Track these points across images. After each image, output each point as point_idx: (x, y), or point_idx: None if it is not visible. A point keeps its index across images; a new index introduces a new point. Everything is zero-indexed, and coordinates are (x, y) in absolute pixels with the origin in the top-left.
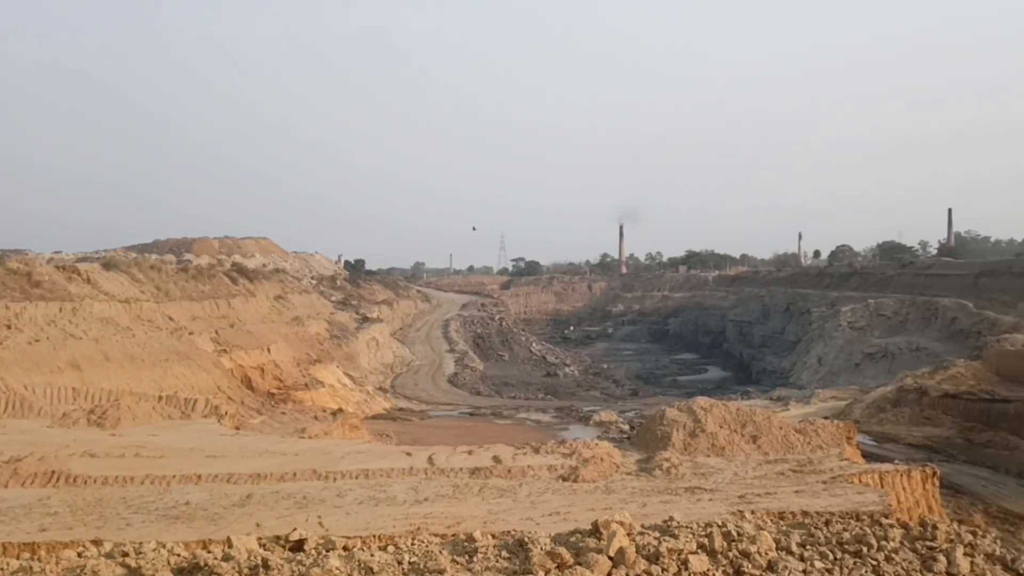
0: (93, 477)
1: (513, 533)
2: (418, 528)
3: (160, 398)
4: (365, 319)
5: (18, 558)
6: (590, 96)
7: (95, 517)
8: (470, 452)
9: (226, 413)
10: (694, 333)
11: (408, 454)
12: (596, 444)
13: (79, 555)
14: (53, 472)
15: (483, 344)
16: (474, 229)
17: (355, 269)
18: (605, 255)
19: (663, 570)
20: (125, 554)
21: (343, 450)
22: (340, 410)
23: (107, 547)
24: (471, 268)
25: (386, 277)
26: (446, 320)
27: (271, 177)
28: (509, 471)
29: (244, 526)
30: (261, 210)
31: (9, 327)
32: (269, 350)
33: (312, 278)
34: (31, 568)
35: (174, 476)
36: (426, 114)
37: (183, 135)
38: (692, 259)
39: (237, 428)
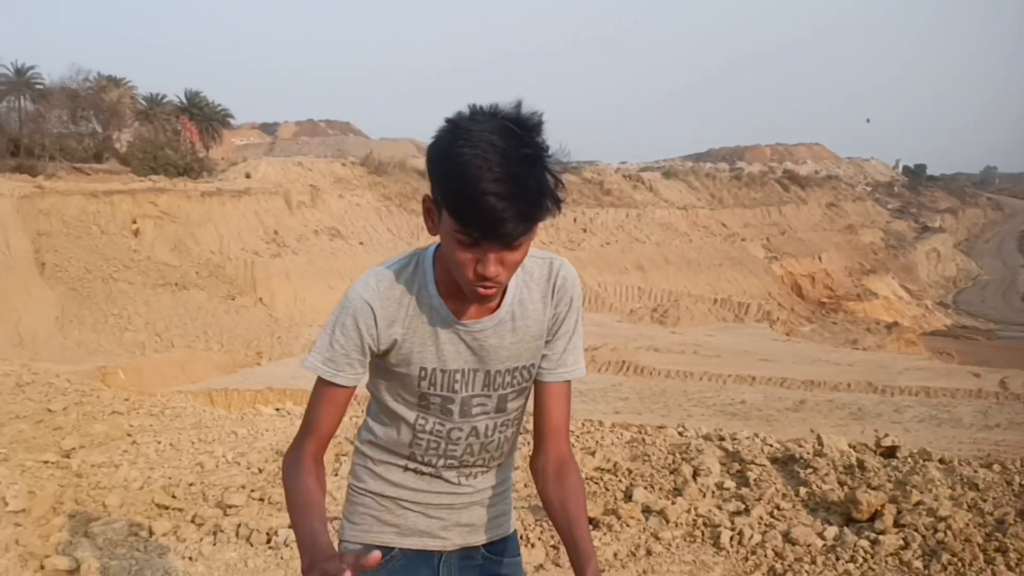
0: (657, 369)
1: None
2: (988, 454)
3: (715, 301)
4: (925, 228)
5: (620, 427)
6: None
7: (660, 406)
8: None
9: (777, 319)
10: None
11: (975, 375)
12: None
13: (679, 434)
14: (624, 362)
15: None
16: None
17: (914, 175)
18: None
19: None
20: (722, 438)
21: (900, 365)
22: (895, 323)
23: (703, 430)
24: None
25: (950, 183)
26: (1022, 231)
27: (823, 80)
28: None
29: (799, 430)
30: (814, 116)
31: (585, 231)
32: (820, 258)
33: (867, 185)
34: (643, 440)
35: (729, 376)
36: None
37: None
38: None
39: (788, 334)
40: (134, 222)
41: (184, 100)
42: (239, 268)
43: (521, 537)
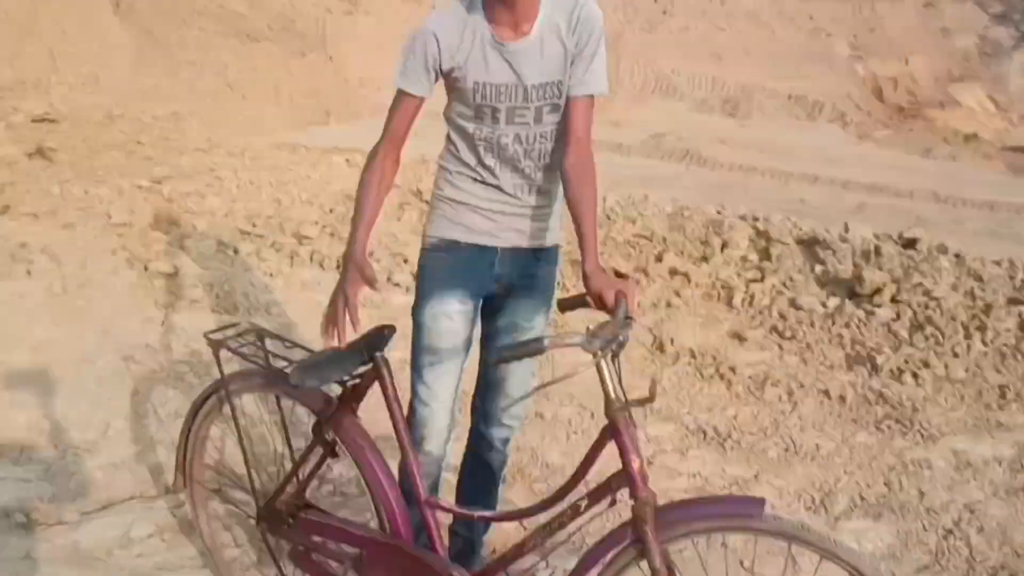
0: (721, 162)
1: None
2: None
3: (790, 97)
4: None
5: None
6: None
7: (719, 198)
8: None
9: (851, 121)
10: None
11: None
12: None
13: (717, 212)
14: (687, 151)
15: None
16: None
17: None
18: None
19: None
20: (756, 219)
21: (970, 177)
22: (975, 135)
23: (740, 210)
24: None
25: None
26: None
27: None
28: None
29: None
30: None
31: (664, 13)
32: (907, 61)
33: None
34: (682, 215)
35: (793, 174)
36: None
37: None
38: None
39: (860, 138)
40: None
41: None
42: (310, 24)
43: None
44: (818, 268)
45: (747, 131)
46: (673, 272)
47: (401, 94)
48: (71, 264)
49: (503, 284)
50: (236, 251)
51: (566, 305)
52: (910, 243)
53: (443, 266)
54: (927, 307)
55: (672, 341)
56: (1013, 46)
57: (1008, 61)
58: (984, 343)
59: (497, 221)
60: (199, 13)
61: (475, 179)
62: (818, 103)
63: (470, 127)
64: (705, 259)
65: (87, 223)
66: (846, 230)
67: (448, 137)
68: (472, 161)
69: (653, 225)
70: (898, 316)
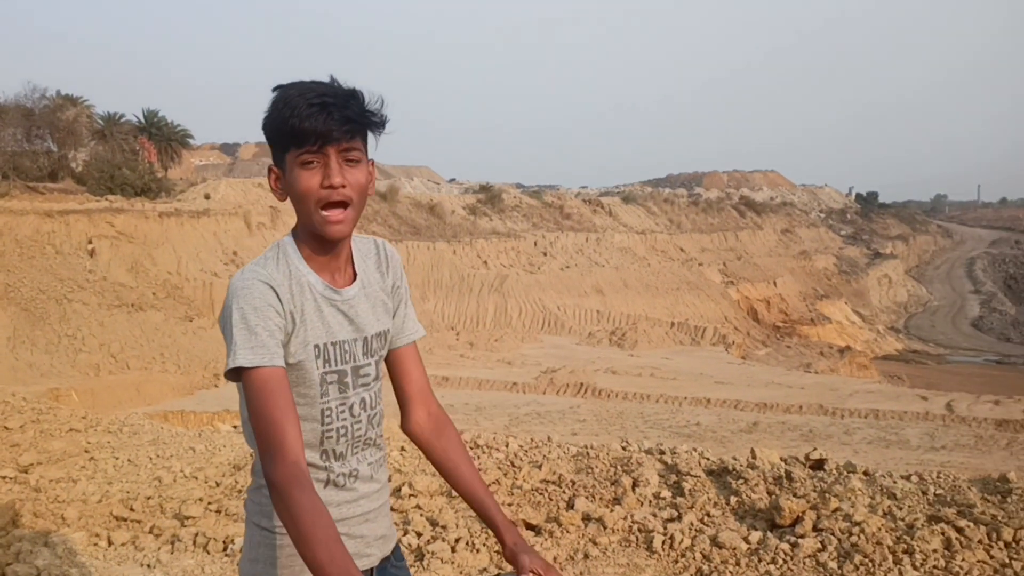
0: (615, 392)
1: None
2: (938, 474)
3: (672, 324)
4: (877, 255)
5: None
6: None
7: (617, 428)
8: (997, 402)
9: (733, 343)
10: None
11: (923, 398)
12: None
13: (623, 448)
14: (582, 384)
15: (1016, 286)
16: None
17: (867, 202)
18: None
19: None
20: (662, 452)
21: (851, 388)
22: (848, 347)
23: (646, 444)
24: (1003, 200)
25: (901, 211)
26: (971, 258)
27: (778, 108)
28: None
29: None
30: (770, 143)
31: (545, 254)
32: (775, 283)
33: (820, 211)
34: (587, 454)
35: (685, 398)
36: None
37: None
38: None
39: (743, 358)
40: (90, 242)
41: (142, 119)
42: (197, 289)
43: (467, 544)
44: (733, 499)
45: (636, 360)
46: (586, 518)
47: (265, 377)
48: None
49: None
50: (109, 542)
51: None
52: (818, 464)
53: None
54: (850, 533)
55: None
56: (867, 263)
57: (865, 277)
58: (915, 567)
59: (363, 535)
60: (80, 287)
61: (327, 482)
62: (699, 328)
63: (315, 409)
64: (617, 500)
65: None
66: (753, 456)
67: None
68: (315, 457)
69: (560, 468)
70: (823, 546)
